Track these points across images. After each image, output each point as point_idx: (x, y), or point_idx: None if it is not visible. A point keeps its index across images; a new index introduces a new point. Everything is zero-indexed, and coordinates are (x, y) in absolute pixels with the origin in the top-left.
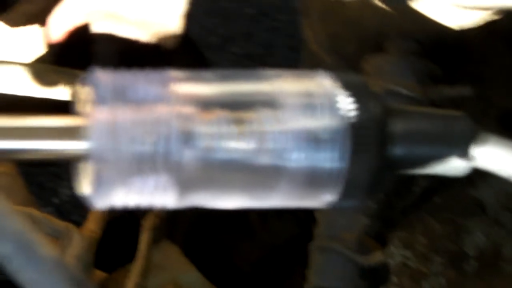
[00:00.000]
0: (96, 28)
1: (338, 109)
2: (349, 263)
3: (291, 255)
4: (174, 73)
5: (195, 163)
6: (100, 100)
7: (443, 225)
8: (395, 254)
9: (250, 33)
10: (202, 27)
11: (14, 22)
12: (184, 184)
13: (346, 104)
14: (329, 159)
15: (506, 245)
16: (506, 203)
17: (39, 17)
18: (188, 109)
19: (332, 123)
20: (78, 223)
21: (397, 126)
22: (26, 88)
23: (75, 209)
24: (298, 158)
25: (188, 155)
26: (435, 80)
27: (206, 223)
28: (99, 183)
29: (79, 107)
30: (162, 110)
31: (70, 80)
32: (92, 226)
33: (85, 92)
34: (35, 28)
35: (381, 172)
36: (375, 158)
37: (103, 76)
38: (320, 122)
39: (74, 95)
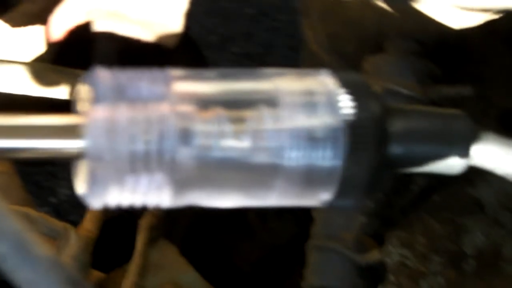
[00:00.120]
0: (97, 27)
1: (336, 107)
2: (347, 262)
3: (291, 255)
4: (173, 71)
5: (192, 161)
6: (98, 98)
7: (442, 224)
8: (393, 253)
9: (250, 33)
10: (202, 27)
11: (15, 22)
12: (181, 183)
13: (345, 103)
14: (326, 158)
15: (505, 245)
16: (505, 203)
17: (40, 17)
18: (187, 108)
19: (330, 121)
20: (76, 223)
21: (396, 124)
22: (26, 87)
23: (73, 209)
24: (295, 157)
25: (185, 154)
26: (435, 80)
27: (206, 223)
28: (94, 181)
29: (78, 106)
30: (160, 109)
31: (70, 79)
32: (89, 225)
33: (84, 90)
34: (36, 27)
35: (380, 171)
36: (373, 156)
37: (102, 75)
38: (318, 121)
39: (74, 94)
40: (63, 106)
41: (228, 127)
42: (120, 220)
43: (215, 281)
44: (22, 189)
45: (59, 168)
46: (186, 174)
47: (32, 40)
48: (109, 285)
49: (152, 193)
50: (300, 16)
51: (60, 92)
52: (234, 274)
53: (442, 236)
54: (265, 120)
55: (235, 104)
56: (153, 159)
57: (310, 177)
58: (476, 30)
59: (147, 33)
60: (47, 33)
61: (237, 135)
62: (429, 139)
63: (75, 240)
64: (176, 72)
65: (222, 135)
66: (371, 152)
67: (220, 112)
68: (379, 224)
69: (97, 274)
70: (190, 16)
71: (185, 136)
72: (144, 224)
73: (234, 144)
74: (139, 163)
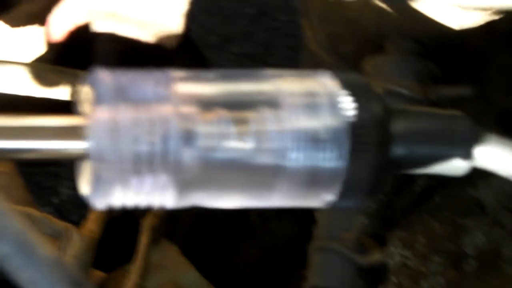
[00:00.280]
0: (97, 27)
1: (338, 108)
2: (348, 263)
3: (291, 255)
4: (175, 72)
5: (195, 163)
6: (100, 99)
7: (442, 225)
8: (394, 254)
9: (250, 33)
10: (202, 27)
11: (15, 22)
12: (184, 184)
13: (347, 104)
14: (329, 159)
15: (505, 245)
16: (506, 203)
17: (40, 17)
18: (188, 109)
19: (333, 122)
20: (78, 223)
21: (398, 125)
22: (27, 88)
23: (75, 209)
24: (298, 158)
25: (188, 155)
26: (435, 80)
27: (206, 223)
28: (98, 182)
29: (80, 107)
30: (162, 110)
31: (70, 80)
32: (91, 226)
33: (85, 91)
34: (36, 28)
35: (382, 172)
36: (376, 158)
37: (104, 76)
38: (321, 122)
39: (74, 94)
40: (63, 107)
41: (231, 129)
42: (121, 220)
43: (215, 281)
44: (24, 189)
45: (61, 169)
46: (190, 175)
47: (32, 41)
48: (111, 285)
49: (155, 194)
50: (300, 16)
51: (60, 92)
52: (234, 274)
53: (442, 237)
54: (268, 121)
55: (237, 106)
56: (157, 160)
57: (313, 178)
58: (476, 30)
59: (147, 33)
60: (47, 33)
61: (240, 136)
62: (431, 140)
63: (77, 240)
64: (177, 73)
65: (225, 136)
66: (373, 153)
67: (223, 113)
68: (380, 225)
69: (98, 274)
70: (190, 16)
71: (188, 138)
72: (145, 225)
73: (237, 145)
74: (142, 164)
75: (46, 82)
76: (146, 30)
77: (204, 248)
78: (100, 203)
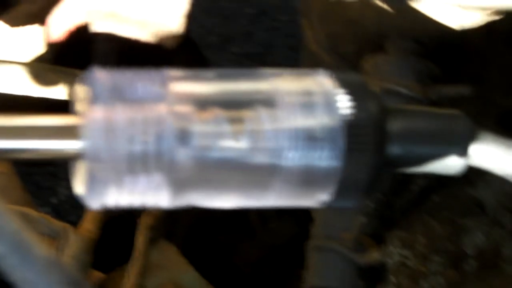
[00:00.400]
0: (96, 27)
1: (335, 107)
2: (347, 262)
3: (291, 255)
4: (171, 72)
5: (190, 162)
6: (96, 99)
7: (442, 224)
8: (393, 254)
9: (250, 33)
10: (201, 27)
11: (15, 22)
12: (179, 184)
13: (343, 103)
14: (325, 158)
15: (505, 245)
16: (505, 203)
17: (39, 17)
18: (184, 108)
19: (329, 121)
20: (76, 223)
21: (395, 124)
22: (25, 87)
23: (73, 209)
24: (294, 157)
25: (183, 154)
26: (435, 80)
27: (206, 223)
28: (93, 182)
29: (77, 106)
30: (158, 109)
31: (69, 80)
32: (89, 226)
33: (82, 91)
34: (35, 27)
35: (378, 171)
36: (372, 157)
37: (100, 75)
38: (317, 121)
39: (72, 94)
40: (62, 106)
41: (226, 128)
42: (120, 220)
43: (215, 281)
44: (22, 190)
45: (59, 169)
46: (185, 174)
47: (31, 40)
48: (109, 285)
49: (150, 194)
50: (300, 16)
51: (59, 92)
52: (234, 274)
53: (442, 236)
54: (263, 121)
55: (233, 105)
56: (151, 159)
57: (308, 178)
58: (476, 30)
59: (146, 33)
60: (46, 33)
61: (235, 135)
62: (428, 139)
63: (75, 240)
64: (173, 72)
65: (220, 135)
66: (369, 152)
67: (218, 112)
68: (379, 224)
69: (97, 274)
70: (190, 16)
71: (183, 137)
72: (144, 224)
73: (233, 144)
74: (137, 164)
75: (45, 81)
76: (146, 30)
77: (204, 248)
78: (95, 203)
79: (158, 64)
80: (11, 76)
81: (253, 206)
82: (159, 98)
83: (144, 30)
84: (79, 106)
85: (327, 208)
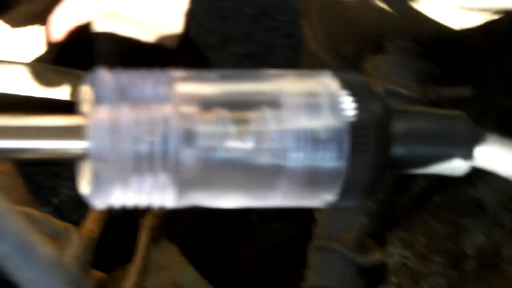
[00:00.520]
0: (97, 27)
1: (338, 109)
2: (348, 262)
3: (292, 255)
4: (175, 72)
5: (195, 162)
6: (100, 99)
7: (443, 225)
8: (394, 254)
9: (250, 33)
10: (201, 27)
11: (15, 22)
12: (184, 184)
13: (347, 104)
14: (329, 159)
15: (506, 245)
16: (506, 203)
17: (40, 17)
18: (189, 109)
19: (333, 122)
20: (77, 223)
21: (398, 126)
22: (27, 88)
23: (74, 209)
24: (298, 158)
25: (189, 155)
26: (435, 80)
27: (206, 223)
28: (98, 182)
29: (80, 106)
30: (163, 110)
31: (70, 80)
32: (91, 226)
33: (86, 91)
34: (36, 28)
35: (382, 172)
36: (376, 158)
37: (104, 76)
38: (321, 122)
39: (75, 94)
40: (64, 107)
41: (231, 128)
42: (121, 220)
43: (215, 281)
44: (24, 189)
45: (60, 168)
46: (190, 175)
47: (32, 41)
48: (110, 285)
49: (155, 194)
50: (300, 16)
51: (61, 92)
52: (234, 274)
53: (442, 237)
54: (268, 122)
55: (237, 106)
56: (157, 160)
57: (313, 178)
58: (476, 30)
59: (147, 33)
60: (47, 33)
61: (240, 136)
62: (431, 140)
63: (77, 240)
64: (178, 73)
65: (225, 136)
66: (373, 153)
67: (223, 113)
68: (380, 225)
69: (98, 274)
70: (190, 16)
71: (188, 137)
72: (145, 224)
73: (237, 145)
74: (142, 164)
75: (46, 82)
76: (147, 30)
77: (204, 248)
78: (100, 203)
79: (158, 64)
80: (12, 77)
81: (258, 206)
82: (164, 99)
83: (145, 30)
84: (84, 107)
85: (329, 209)
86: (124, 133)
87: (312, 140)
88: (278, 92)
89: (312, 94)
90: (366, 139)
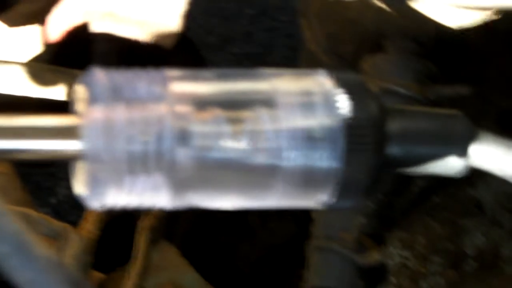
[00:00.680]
0: (95, 27)
1: (334, 108)
2: (347, 262)
3: (291, 255)
4: (170, 72)
5: (190, 162)
6: (95, 99)
7: (442, 225)
8: (393, 255)
9: (250, 33)
10: (200, 27)
11: (13, 22)
12: (179, 184)
13: (343, 103)
14: (324, 158)
15: (505, 245)
16: (505, 203)
17: (38, 17)
18: (184, 108)
19: (328, 122)
20: (75, 223)
21: (395, 125)
22: (23, 88)
23: (72, 209)
24: (293, 157)
25: (183, 155)
26: (434, 80)
27: (206, 223)
28: (94, 183)
29: (76, 106)
30: (157, 109)
31: (67, 80)
32: (89, 226)
33: (80, 91)
34: (33, 28)
35: (378, 172)
36: (372, 157)
37: (99, 75)
38: (316, 121)
39: (71, 94)
40: (60, 107)
41: (226, 128)
42: (120, 221)
43: (215, 281)
44: (22, 190)
45: (58, 169)
46: (185, 175)
47: (30, 40)
48: (110, 286)
49: (150, 194)
50: (299, 16)
51: (58, 92)
52: (234, 274)
53: (442, 237)
54: (263, 121)
55: (232, 105)
56: (151, 160)
57: (308, 178)
58: (475, 30)
59: (145, 33)
60: (44, 33)
61: (235, 135)
62: (427, 140)
63: (76, 241)
64: (173, 72)
65: (220, 136)
66: (369, 152)
67: (218, 112)
68: (379, 225)
69: (97, 275)
70: (189, 16)
71: (183, 137)
72: (144, 225)
73: (232, 145)
74: (137, 164)
75: (43, 81)
76: (145, 30)
77: (204, 248)
78: (95, 203)
79: (156, 64)
80: (9, 76)
81: (254, 206)
82: (159, 98)
83: (142, 30)
84: (78, 106)
85: (327, 209)
86: (118, 132)
87: (307, 139)
88: (273, 91)
89: (307, 93)
90: (362, 138)
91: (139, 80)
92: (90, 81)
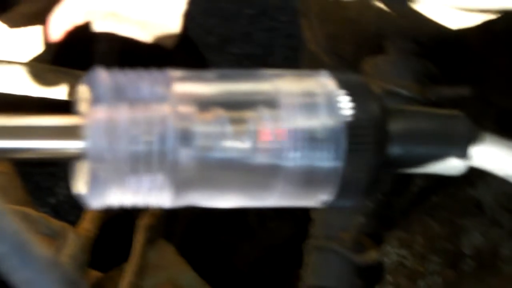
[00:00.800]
0: (96, 27)
1: (336, 108)
2: (345, 262)
3: (290, 255)
4: (173, 72)
5: (192, 162)
6: (98, 99)
7: (441, 224)
8: (391, 253)
9: (250, 33)
10: (201, 27)
11: (14, 22)
12: (181, 184)
13: (344, 104)
14: (326, 159)
15: (503, 245)
16: (504, 203)
17: (39, 17)
18: (186, 109)
19: (330, 122)
20: (75, 223)
21: (395, 125)
22: (25, 88)
23: (72, 209)
24: (295, 157)
25: (186, 155)
26: (434, 81)
27: (205, 223)
28: (95, 182)
29: (78, 106)
30: (160, 110)
31: (69, 80)
32: (87, 225)
33: (83, 91)
34: (34, 28)
35: (379, 172)
36: (373, 157)
37: (102, 76)
38: (318, 122)
39: (73, 94)
40: (62, 107)
41: (228, 128)
42: (118, 220)
43: (214, 281)
44: (22, 189)
45: (58, 169)
46: (187, 174)
47: (31, 41)
48: (107, 285)
49: (152, 194)
50: (299, 16)
51: (59, 92)
52: (233, 274)
53: (440, 236)
54: (265, 121)
55: (235, 105)
56: (154, 160)
57: (310, 178)
58: (474, 31)
59: (145, 33)
60: (46, 33)
61: (237, 136)
62: (428, 140)
63: (73, 240)
64: (176, 73)
65: (222, 136)
66: (370, 153)
67: (220, 113)
68: (378, 224)
69: (95, 274)
70: (189, 16)
71: (186, 137)
72: (142, 224)
73: (235, 145)
74: (139, 164)
75: (44, 81)
76: (145, 30)
77: (203, 248)
78: (96, 203)
79: (157, 64)
80: (11, 76)
81: (255, 206)
82: (162, 99)
83: (143, 30)
84: (81, 107)
85: (326, 208)
86: (121, 133)
87: (309, 139)
88: (275, 91)
89: (309, 94)
90: (363, 138)
91: (142, 81)
92: (93, 81)
